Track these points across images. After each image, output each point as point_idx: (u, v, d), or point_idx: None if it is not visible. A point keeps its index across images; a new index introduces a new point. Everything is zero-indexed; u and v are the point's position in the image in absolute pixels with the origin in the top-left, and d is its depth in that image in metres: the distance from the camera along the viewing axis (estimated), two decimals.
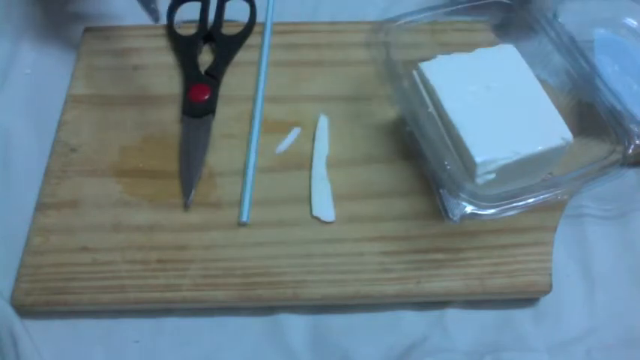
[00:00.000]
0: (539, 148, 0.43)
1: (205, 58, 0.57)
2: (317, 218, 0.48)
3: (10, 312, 0.45)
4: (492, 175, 0.42)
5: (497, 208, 0.42)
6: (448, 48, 0.48)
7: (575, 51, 0.47)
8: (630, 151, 0.43)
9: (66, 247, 0.47)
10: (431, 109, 0.46)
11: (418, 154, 0.48)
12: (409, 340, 0.45)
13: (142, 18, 0.60)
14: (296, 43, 0.57)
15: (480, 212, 0.42)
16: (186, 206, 0.49)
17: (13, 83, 0.56)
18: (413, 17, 0.50)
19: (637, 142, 0.43)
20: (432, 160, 0.44)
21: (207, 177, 0.50)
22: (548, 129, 0.44)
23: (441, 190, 0.45)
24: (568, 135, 0.44)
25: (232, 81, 0.55)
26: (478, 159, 0.42)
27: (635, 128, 0.43)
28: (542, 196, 0.42)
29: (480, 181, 0.42)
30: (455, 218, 0.43)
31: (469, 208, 0.42)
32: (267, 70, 0.56)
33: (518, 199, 0.42)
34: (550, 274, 0.46)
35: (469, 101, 0.44)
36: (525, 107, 0.45)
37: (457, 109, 0.44)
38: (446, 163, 0.43)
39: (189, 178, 0.49)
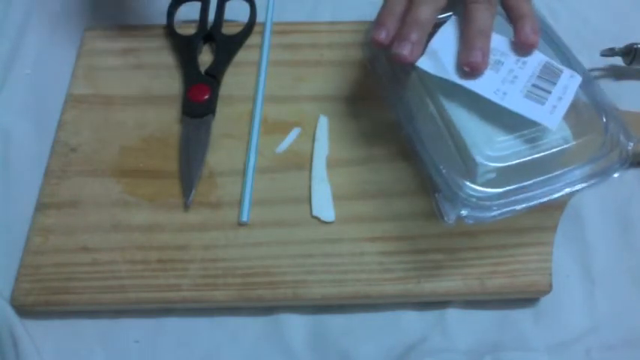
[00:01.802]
0: (540, 148, 0.43)
1: (205, 58, 0.57)
2: (317, 218, 0.48)
3: (10, 312, 0.45)
4: (493, 175, 0.42)
5: (495, 211, 0.41)
6: None
7: (571, 51, 0.47)
8: (629, 152, 0.43)
9: (66, 247, 0.47)
10: (431, 108, 0.45)
11: (416, 155, 0.48)
12: (409, 340, 0.45)
13: (142, 18, 0.60)
14: (296, 43, 0.57)
15: (477, 215, 0.41)
16: (186, 206, 0.49)
17: (13, 83, 0.56)
18: None
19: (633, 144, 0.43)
20: (427, 164, 0.44)
21: (207, 177, 0.50)
22: (549, 129, 0.44)
23: (436, 194, 0.44)
24: (568, 135, 0.44)
25: (232, 81, 0.55)
26: (478, 159, 0.42)
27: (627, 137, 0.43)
28: (541, 198, 0.42)
29: (480, 180, 0.42)
30: (450, 221, 0.43)
31: (465, 211, 0.42)
32: (267, 70, 0.56)
33: (516, 200, 0.42)
34: (550, 274, 0.46)
35: (470, 101, 0.44)
36: None
37: (458, 109, 0.44)
38: (441, 167, 0.43)
39: (189, 178, 0.49)
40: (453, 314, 0.46)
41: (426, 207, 0.48)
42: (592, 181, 0.43)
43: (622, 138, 0.43)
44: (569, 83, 0.44)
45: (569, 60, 0.46)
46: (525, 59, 0.44)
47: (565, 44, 0.47)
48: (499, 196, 0.42)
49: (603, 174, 0.43)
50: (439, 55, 0.44)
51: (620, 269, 0.48)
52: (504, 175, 0.43)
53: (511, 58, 0.44)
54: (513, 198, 0.42)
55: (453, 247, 0.47)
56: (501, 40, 0.45)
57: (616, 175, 0.43)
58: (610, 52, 0.56)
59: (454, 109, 0.44)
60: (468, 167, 0.43)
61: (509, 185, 0.43)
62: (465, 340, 0.46)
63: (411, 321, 0.46)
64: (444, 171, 0.43)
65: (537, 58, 0.44)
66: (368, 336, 0.46)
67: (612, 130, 0.44)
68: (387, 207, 0.49)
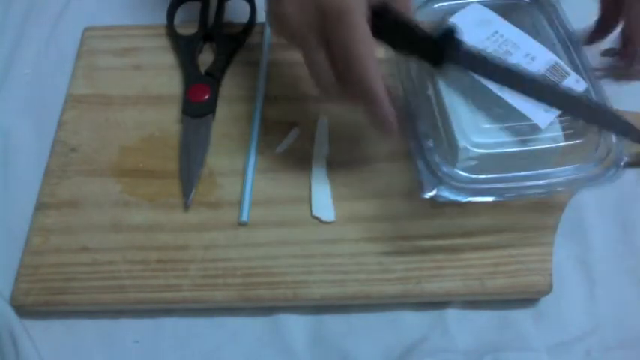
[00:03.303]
0: (527, 144, 0.43)
1: (205, 58, 0.57)
2: (317, 218, 0.48)
3: (10, 312, 0.45)
4: (473, 162, 0.43)
5: (468, 197, 0.42)
6: None
7: (576, 49, 0.47)
8: (622, 165, 0.43)
9: (66, 247, 0.47)
10: (430, 90, 0.46)
11: (408, 127, 0.46)
12: (409, 340, 0.45)
13: (142, 18, 0.60)
14: None
15: (448, 196, 0.42)
16: (186, 206, 0.49)
17: (13, 83, 0.56)
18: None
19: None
20: (418, 135, 0.44)
21: (207, 177, 0.50)
22: (539, 127, 0.44)
23: (418, 163, 0.44)
24: (559, 136, 0.43)
25: (232, 81, 0.55)
26: (461, 143, 0.42)
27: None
28: (518, 194, 0.42)
29: (461, 165, 0.43)
30: (425, 196, 0.43)
31: (439, 190, 0.42)
32: (267, 70, 0.56)
33: (491, 190, 0.42)
34: (550, 274, 0.46)
35: (468, 88, 0.44)
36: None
37: (454, 95, 0.44)
38: (429, 141, 0.43)
39: (189, 178, 0.50)
40: (452, 314, 0.46)
41: (425, 207, 0.48)
42: (593, 182, 0.43)
43: (616, 148, 0.43)
44: (572, 87, 0.44)
45: (577, 58, 0.46)
46: (534, 56, 0.44)
47: (578, 42, 0.47)
48: (473, 181, 0.42)
49: (605, 174, 0.43)
50: None
51: (620, 269, 0.48)
52: (485, 163, 0.43)
53: (521, 52, 0.44)
54: (488, 186, 0.42)
55: (452, 247, 0.47)
56: (516, 33, 0.45)
57: (617, 176, 0.43)
58: (610, 52, 0.56)
59: (450, 94, 0.44)
60: (452, 151, 0.43)
61: (489, 174, 0.43)
62: (464, 340, 0.46)
63: (411, 321, 0.46)
64: (430, 145, 0.43)
65: (547, 57, 0.44)
66: (368, 336, 0.46)
67: (607, 138, 0.43)
68: (387, 207, 0.49)
